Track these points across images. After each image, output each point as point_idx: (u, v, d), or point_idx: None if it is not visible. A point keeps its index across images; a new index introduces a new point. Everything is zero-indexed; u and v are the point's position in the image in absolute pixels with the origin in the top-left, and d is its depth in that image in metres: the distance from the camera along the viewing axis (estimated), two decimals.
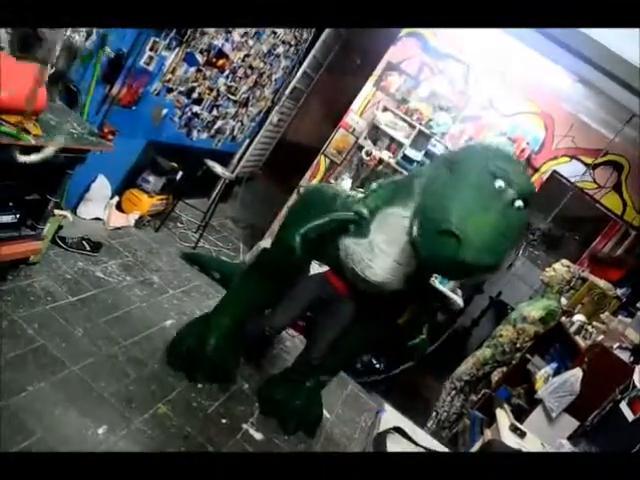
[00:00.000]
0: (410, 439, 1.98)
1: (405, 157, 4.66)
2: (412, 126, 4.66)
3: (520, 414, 2.98)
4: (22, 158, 1.97)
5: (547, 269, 3.50)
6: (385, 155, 4.71)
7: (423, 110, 4.67)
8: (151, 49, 3.37)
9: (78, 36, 2.43)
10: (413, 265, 2.36)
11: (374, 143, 4.78)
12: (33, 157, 2.01)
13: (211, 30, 3.73)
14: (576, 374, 2.73)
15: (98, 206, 3.70)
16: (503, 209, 1.95)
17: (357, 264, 2.44)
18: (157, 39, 3.33)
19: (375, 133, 4.79)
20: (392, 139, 4.72)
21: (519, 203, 2.00)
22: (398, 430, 1.99)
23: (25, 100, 2.07)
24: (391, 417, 2.13)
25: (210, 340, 2.81)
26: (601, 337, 2.94)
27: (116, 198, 3.88)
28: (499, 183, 1.98)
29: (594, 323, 3.16)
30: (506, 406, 2.97)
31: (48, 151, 2.06)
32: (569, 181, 4.47)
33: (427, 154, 4.63)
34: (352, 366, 3.70)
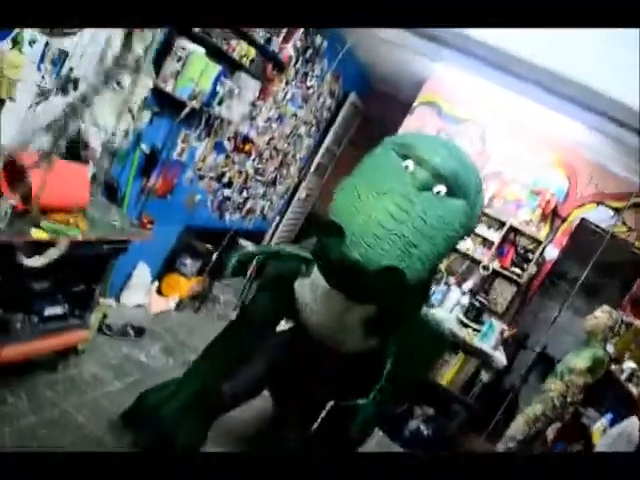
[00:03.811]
0: None
1: None
2: None
3: None
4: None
5: (588, 317, 3.41)
6: None
7: None
8: (182, 141, 3.58)
9: (117, 136, 2.63)
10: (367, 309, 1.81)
11: None
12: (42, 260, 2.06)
13: (236, 118, 3.97)
14: (633, 423, 2.60)
15: (140, 292, 3.82)
16: (411, 194, 1.48)
17: (303, 310, 1.97)
18: (188, 132, 3.56)
19: None
20: None
21: (439, 187, 1.54)
22: None
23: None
24: None
25: (170, 402, 2.29)
26: None
27: (156, 283, 4.00)
28: (407, 163, 1.56)
29: None
30: None
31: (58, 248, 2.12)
32: (599, 227, 4.43)
33: None
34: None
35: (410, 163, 1.55)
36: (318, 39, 4.51)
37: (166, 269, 4.16)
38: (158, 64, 2.99)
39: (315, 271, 1.87)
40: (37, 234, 2.00)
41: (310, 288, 1.92)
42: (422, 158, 1.55)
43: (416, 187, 1.50)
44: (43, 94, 2.42)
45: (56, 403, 2.45)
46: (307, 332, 2.02)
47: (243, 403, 2.53)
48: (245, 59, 3.72)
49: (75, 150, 2.50)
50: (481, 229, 4.66)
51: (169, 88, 3.02)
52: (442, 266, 4.74)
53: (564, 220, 4.62)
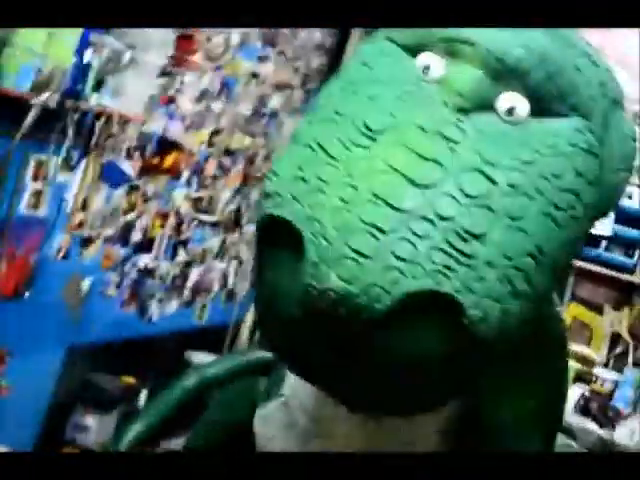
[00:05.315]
0: None
1: None
2: None
3: None
4: None
5: None
6: None
7: None
8: (35, 176, 2.71)
9: None
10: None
11: None
12: None
13: (137, 109, 2.97)
14: None
15: None
16: (447, 126, 0.77)
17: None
18: (43, 154, 2.70)
19: None
20: None
21: (509, 101, 0.82)
22: None
23: None
24: None
25: None
26: None
27: None
28: (425, 63, 0.91)
29: None
30: None
31: None
32: None
33: None
34: None
35: (435, 61, 0.82)
36: None
37: (50, 442, 3.01)
38: None
39: (290, 383, 1.25)
40: None
41: (283, 421, 1.41)
42: (461, 43, 0.83)
43: (456, 109, 0.77)
44: None
45: None
46: None
47: None
48: None
49: None
50: None
51: None
52: None
53: None
